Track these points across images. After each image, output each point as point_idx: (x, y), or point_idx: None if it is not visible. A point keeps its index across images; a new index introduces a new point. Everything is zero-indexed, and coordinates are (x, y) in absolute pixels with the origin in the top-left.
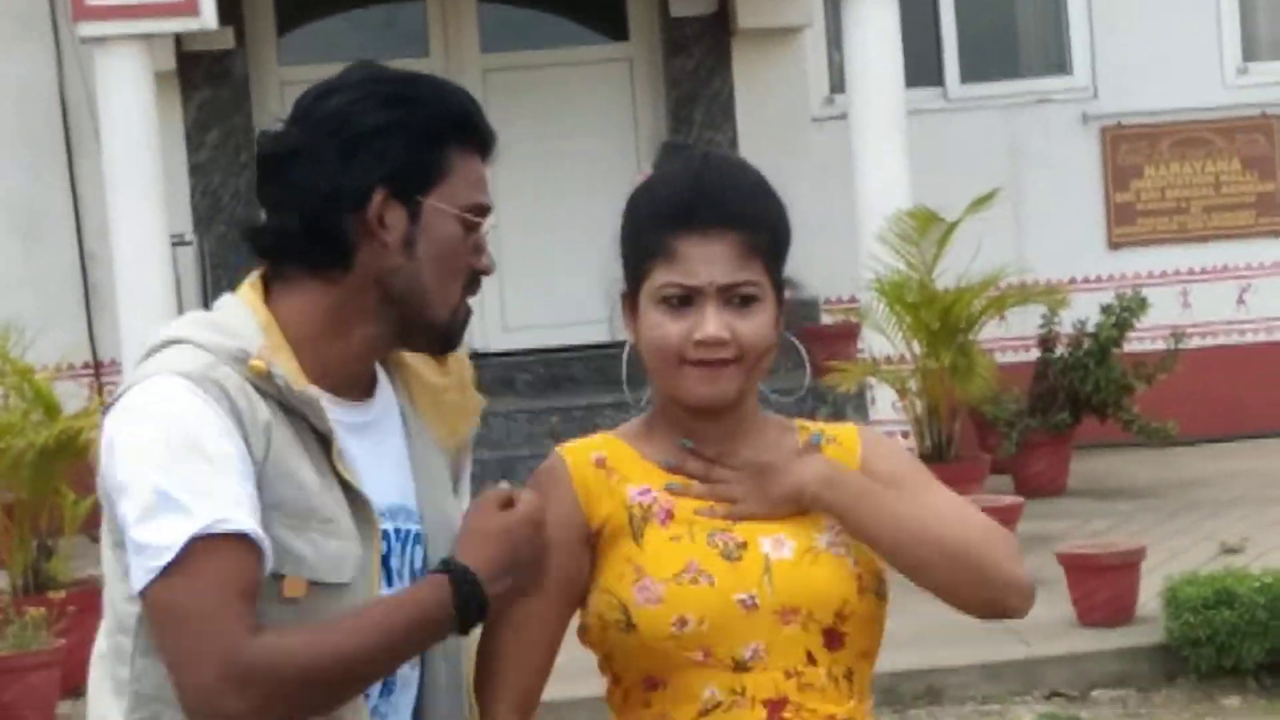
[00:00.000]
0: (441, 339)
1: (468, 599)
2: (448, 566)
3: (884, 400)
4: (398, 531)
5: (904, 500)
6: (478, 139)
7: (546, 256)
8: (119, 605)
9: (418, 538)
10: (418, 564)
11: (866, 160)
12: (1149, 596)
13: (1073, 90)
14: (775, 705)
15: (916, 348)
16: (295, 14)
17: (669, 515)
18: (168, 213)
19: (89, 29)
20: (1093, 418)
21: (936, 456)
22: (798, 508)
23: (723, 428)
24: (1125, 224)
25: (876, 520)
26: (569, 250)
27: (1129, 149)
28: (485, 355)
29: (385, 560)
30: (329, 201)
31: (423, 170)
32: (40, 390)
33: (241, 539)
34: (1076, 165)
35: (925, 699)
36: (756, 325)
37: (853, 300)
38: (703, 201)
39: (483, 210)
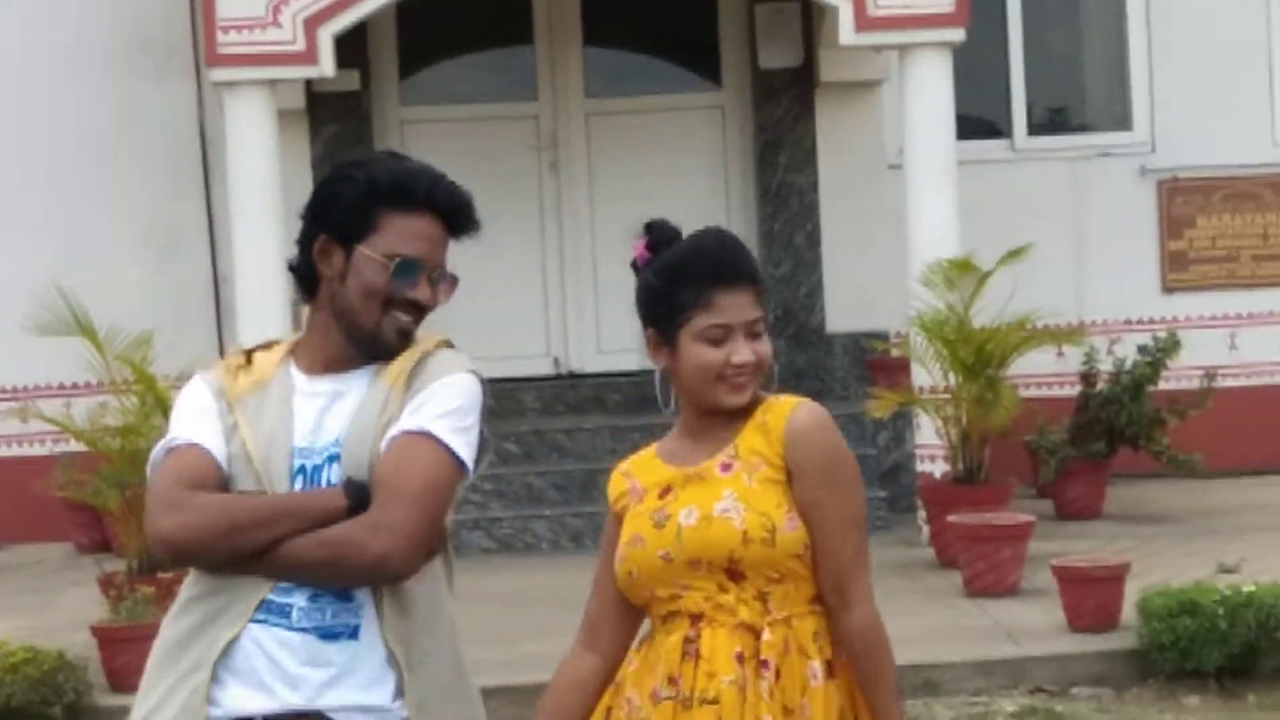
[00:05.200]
0: (369, 343)
1: (356, 503)
2: (347, 484)
3: (927, 426)
4: (330, 456)
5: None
6: (415, 204)
7: None
8: None
9: (333, 457)
10: (334, 477)
11: (919, 208)
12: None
13: (1133, 145)
14: (696, 618)
15: (954, 380)
16: (416, 58)
17: (640, 499)
18: (287, 240)
19: (220, 74)
20: (1127, 449)
21: (968, 478)
22: None
23: (712, 421)
24: (1178, 270)
25: None
26: None
27: (1184, 201)
28: (580, 375)
29: (314, 475)
30: (300, 248)
31: (356, 225)
32: (160, 396)
33: (193, 446)
34: (1134, 215)
35: (923, 690)
36: (766, 348)
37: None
38: (730, 266)
39: (399, 257)
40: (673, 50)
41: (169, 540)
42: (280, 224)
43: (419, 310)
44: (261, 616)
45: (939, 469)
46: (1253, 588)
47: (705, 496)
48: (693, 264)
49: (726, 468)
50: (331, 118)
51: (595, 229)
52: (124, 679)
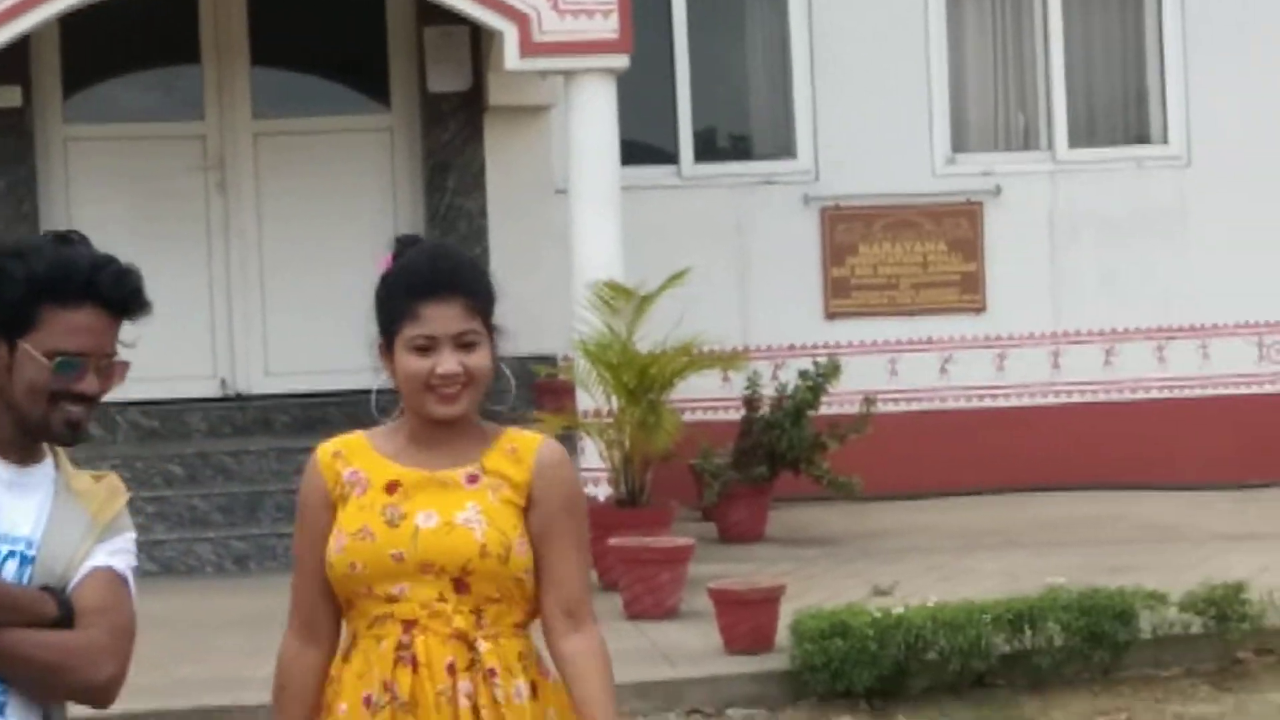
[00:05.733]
0: (39, 434)
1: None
2: (59, 597)
3: (591, 450)
4: (11, 552)
5: None
6: (77, 297)
7: (308, 307)
8: None
9: (27, 559)
10: (25, 579)
11: (584, 232)
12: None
13: (797, 173)
14: (409, 624)
15: (617, 403)
16: (81, 75)
17: (364, 490)
18: None
19: None
20: (789, 472)
21: (630, 501)
22: None
23: (449, 432)
24: (841, 296)
25: None
26: (329, 302)
27: (845, 228)
28: (247, 397)
29: None
30: None
31: (16, 322)
32: None
33: None
34: (798, 241)
35: None
36: (479, 360)
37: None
38: (438, 278)
39: (62, 354)
40: (342, 71)
41: None
42: None
43: (88, 402)
44: None
45: (603, 492)
46: (902, 610)
47: (447, 504)
48: (403, 276)
49: (473, 480)
50: None
51: (263, 249)
52: None
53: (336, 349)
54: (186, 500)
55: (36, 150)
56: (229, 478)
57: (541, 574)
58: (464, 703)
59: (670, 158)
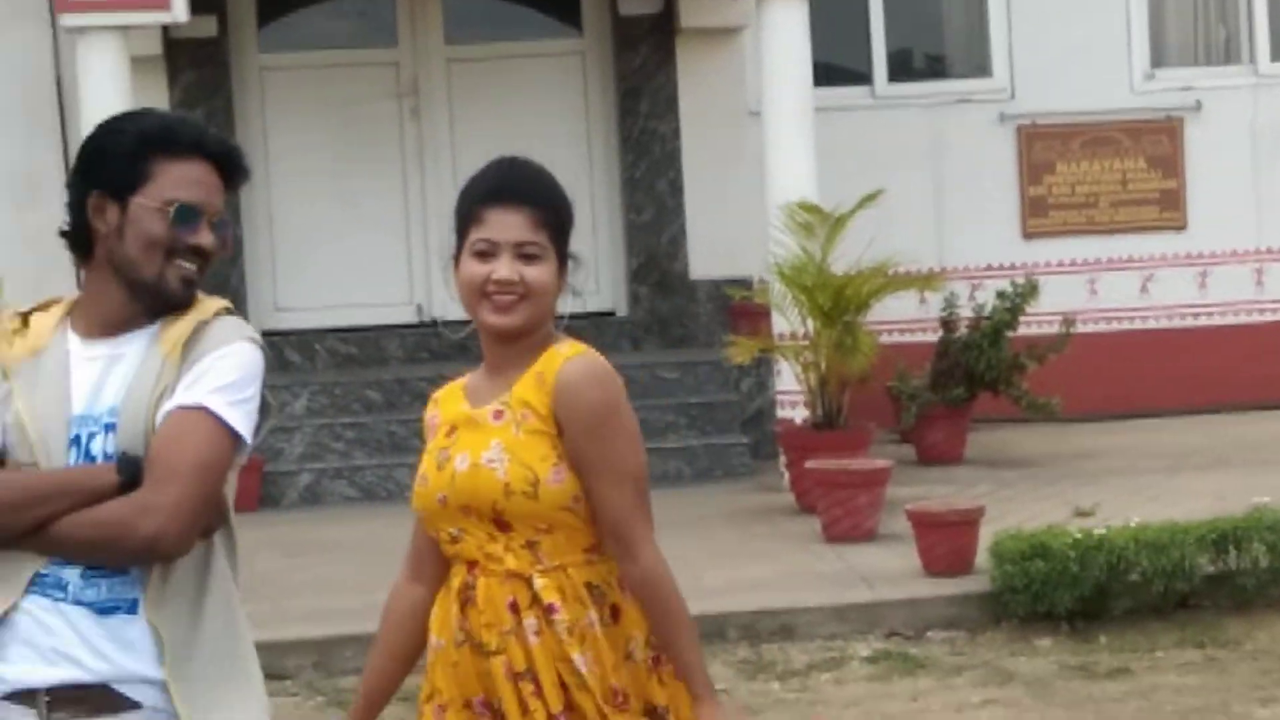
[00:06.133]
0: (158, 297)
1: (129, 479)
2: (120, 460)
3: (787, 373)
4: (106, 425)
5: None
6: (186, 150)
7: None
8: None
9: (111, 428)
10: (109, 448)
11: (778, 155)
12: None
13: (992, 91)
14: (471, 564)
15: (812, 326)
16: (275, 4)
17: (434, 434)
18: None
19: (70, 20)
20: (987, 393)
21: (827, 424)
22: None
23: (510, 355)
24: (1038, 216)
25: None
26: None
27: (1042, 146)
28: (445, 324)
29: (89, 443)
30: (71, 210)
31: (129, 177)
32: None
33: None
34: (994, 161)
35: (779, 635)
36: (538, 274)
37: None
38: (504, 185)
39: (176, 203)
40: None
41: None
42: None
43: (202, 257)
44: (37, 590)
45: (799, 415)
46: (1104, 531)
47: (476, 443)
48: (474, 183)
49: (498, 415)
50: (189, 65)
51: (457, 175)
52: None
53: None
54: (385, 426)
55: (233, 80)
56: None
57: (588, 499)
58: (533, 640)
59: (864, 78)
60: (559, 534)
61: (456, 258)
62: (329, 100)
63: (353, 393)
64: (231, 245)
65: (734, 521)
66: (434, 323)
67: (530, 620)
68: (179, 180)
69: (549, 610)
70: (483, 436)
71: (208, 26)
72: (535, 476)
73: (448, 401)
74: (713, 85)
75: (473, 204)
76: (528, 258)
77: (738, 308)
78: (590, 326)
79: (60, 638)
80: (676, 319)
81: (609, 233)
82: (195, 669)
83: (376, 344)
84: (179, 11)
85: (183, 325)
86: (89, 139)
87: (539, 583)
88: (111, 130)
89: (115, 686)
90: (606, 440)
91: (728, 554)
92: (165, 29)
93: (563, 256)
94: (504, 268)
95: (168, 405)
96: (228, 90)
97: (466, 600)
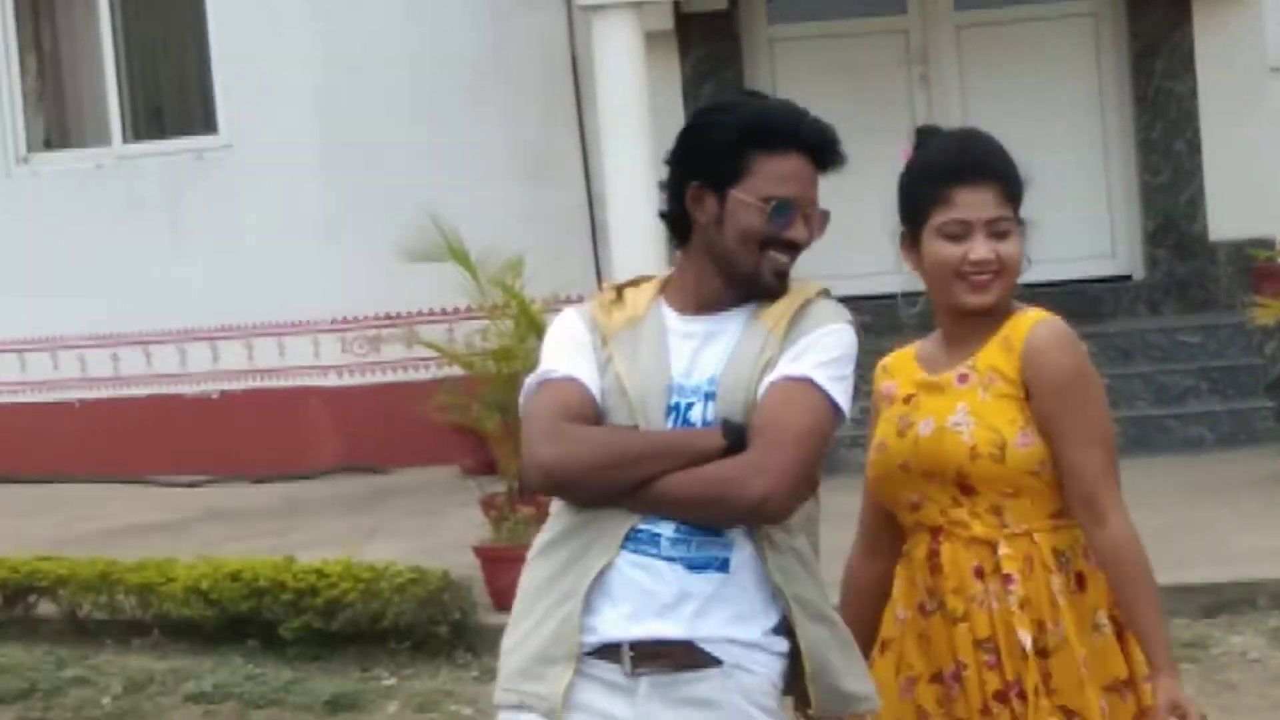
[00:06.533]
0: (747, 285)
1: (733, 444)
2: (725, 425)
3: None
4: (706, 394)
5: None
6: (784, 144)
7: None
8: None
9: (711, 396)
10: (709, 416)
11: None
12: None
13: None
14: (935, 530)
15: None
16: None
17: (891, 403)
18: (657, 161)
19: None
20: None
21: None
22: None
23: (973, 326)
24: None
25: None
26: (1049, 191)
27: None
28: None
29: (686, 412)
30: (670, 194)
31: (727, 170)
32: (533, 319)
33: (570, 380)
34: None
35: None
36: (1011, 249)
37: None
38: (970, 162)
39: (774, 199)
40: None
41: (549, 471)
42: (650, 146)
43: (795, 249)
44: (631, 545)
45: None
46: None
47: (941, 408)
48: (935, 162)
49: (963, 379)
50: (701, 38)
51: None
52: (506, 598)
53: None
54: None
55: (744, 52)
56: None
57: (1056, 464)
58: (995, 606)
59: None
60: (1024, 499)
61: (907, 239)
62: (838, 69)
63: (868, 361)
64: (823, 230)
65: (1260, 487)
66: (901, 294)
67: (993, 586)
68: (775, 176)
69: (1006, 580)
70: (947, 401)
71: (719, 0)
72: (1002, 439)
73: (900, 369)
74: (1231, 42)
75: (936, 183)
76: (1000, 234)
77: (1262, 269)
78: (1107, 291)
79: (651, 594)
80: (1196, 281)
81: (1124, 196)
82: (816, 634)
83: (892, 311)
84: None
85: (785, 304)
86: (689, 128)
87: (1004, 550)
88: (711, 122)
89: (698, 644)
90: (1077, 405)
91: (1254, 520)
92: (677, 4)
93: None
94: (980, 248)
95: (771, 376)
96: (738, 63)
97: (933, 567)
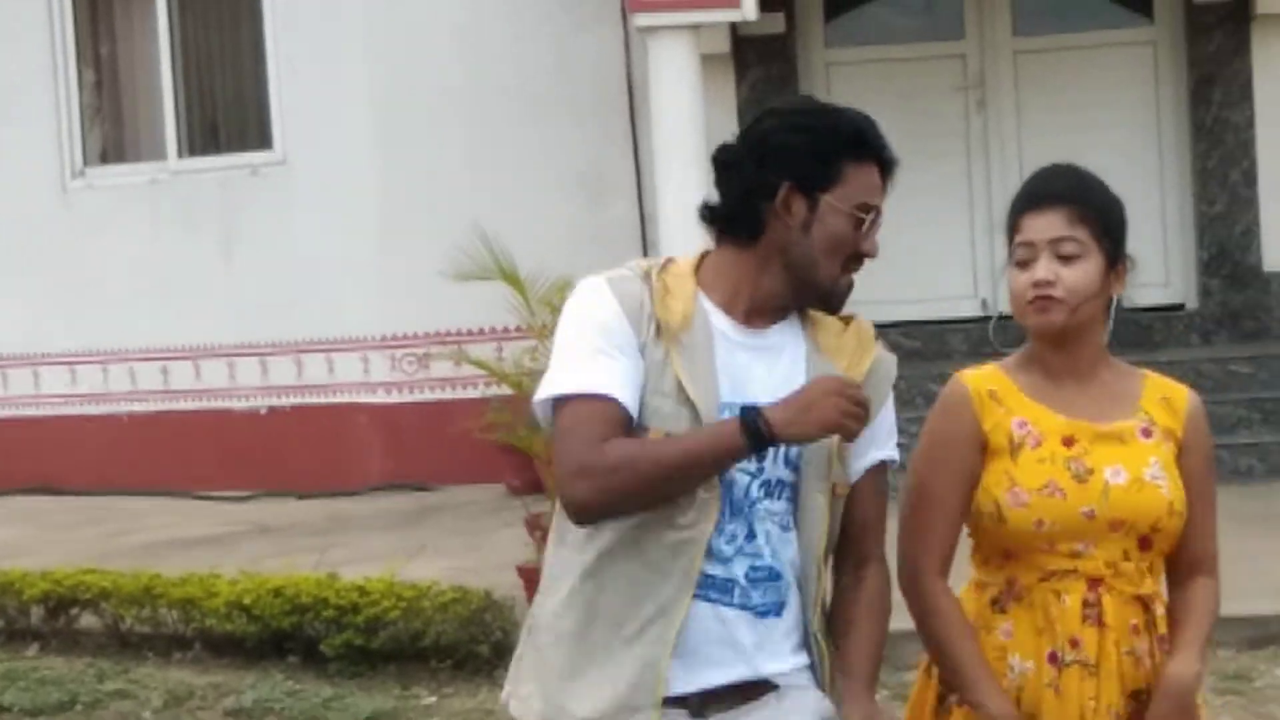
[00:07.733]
0: (823, 299)
1: (752, 430)
2: (741, 410)
3: None
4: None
5: None
6: (870, 154)
7: None
8: None
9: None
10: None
11: None
12: None
13: None
14: (1094, 582)
15: None
16: (841, 0)
17: (1039, 443)
18: (710, 182)
19: (642, 19)
20: None
21: None
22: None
23: (1069, 361)
24: None
25: None
26: None
27: None
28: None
29: None
30: (747, 194)
31: (821, 175)
32: None
33: (595, 399)
34: None
35: None
36: (1075, 274)
37: None
38: (1038, 188)
39: (868, 209)
40: None
41: (585, 509)
42: (704, 167)
43: (859, 264)
44: (702, 593)
45: None
46: None
47: (1132, 459)
48: (1017, 195)
49: (1147, 434)
50: (757, 61)
51: (1023, 168)
52: None
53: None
54: None
55: (799, 75)
56: None
57: (1188, 524)
58: (1147, 663)
59: None
60: (1164, 558)
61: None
62: (894, 94)
63: (916, 386)
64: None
65: None
66: (1000, 316)
67: (1142, 644)
68: (866, 186)
69: (1160, 641)
70: (1136, 452)
71: (775, 23)
72: (1184, 499)
73: (1017, 402)
74: None
75: (1013, 214)
76: (1065, 258)
77: None
78: (1159, 320)
79: (727, 643)
80: (1249, 312)
81: (1179, 225)
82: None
83: (940, 338)
84: (749, 9)
85: (849, 339)
86: (772, 130)
87: (1159, 610)
88: (801, 127)
89: (776, 681)
90: (1212, 468)
91: None
92: (734, 27)
93: (1112, 258)
94: (1041, 269)
95: (875, 454)
96: (794, 86)
97: (1086, 618)
